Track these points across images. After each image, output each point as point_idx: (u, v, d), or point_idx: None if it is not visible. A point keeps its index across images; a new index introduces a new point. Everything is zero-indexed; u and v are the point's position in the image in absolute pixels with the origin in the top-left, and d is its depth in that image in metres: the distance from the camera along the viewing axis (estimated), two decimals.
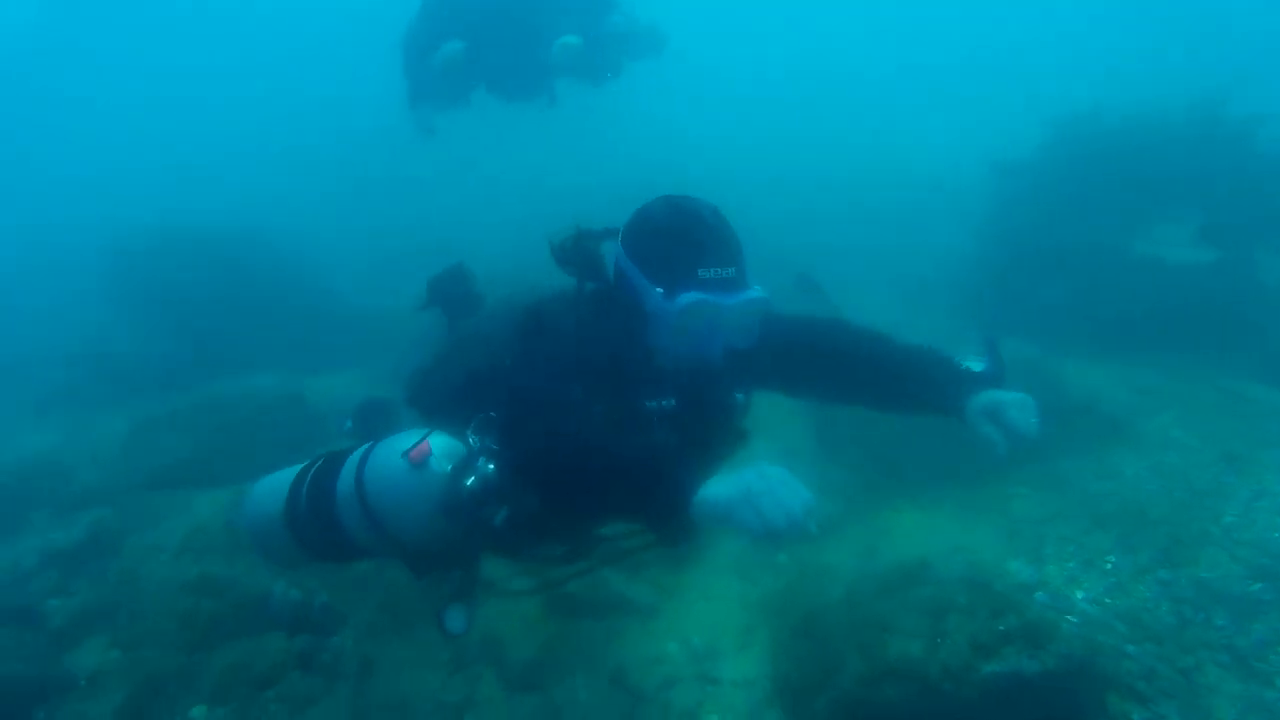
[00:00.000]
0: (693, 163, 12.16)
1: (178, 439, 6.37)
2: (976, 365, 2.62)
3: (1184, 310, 6.61)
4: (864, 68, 18.82)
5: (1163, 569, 4.22)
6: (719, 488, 1.90)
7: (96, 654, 3.99)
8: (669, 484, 1.96)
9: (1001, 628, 3.19)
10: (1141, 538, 4.45)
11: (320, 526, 2.63)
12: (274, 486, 2.83)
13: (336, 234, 11.85)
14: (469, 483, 2.40)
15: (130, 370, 8.22)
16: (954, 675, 3.12)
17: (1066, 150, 7.74)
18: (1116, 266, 7.04)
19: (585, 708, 3.81)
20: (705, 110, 15.34)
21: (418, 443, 2.48)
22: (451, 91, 6.81)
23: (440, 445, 2.50)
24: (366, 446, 2.65)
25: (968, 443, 5.39)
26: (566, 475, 2.20)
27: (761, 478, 1.88)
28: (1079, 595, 4.11)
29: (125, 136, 18.36)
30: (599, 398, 2.42)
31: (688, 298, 2.30)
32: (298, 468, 2.84)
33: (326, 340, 8.73)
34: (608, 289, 2.56)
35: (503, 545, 2.60)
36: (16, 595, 4.37)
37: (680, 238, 2.39)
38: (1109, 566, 4.32)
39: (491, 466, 2.42)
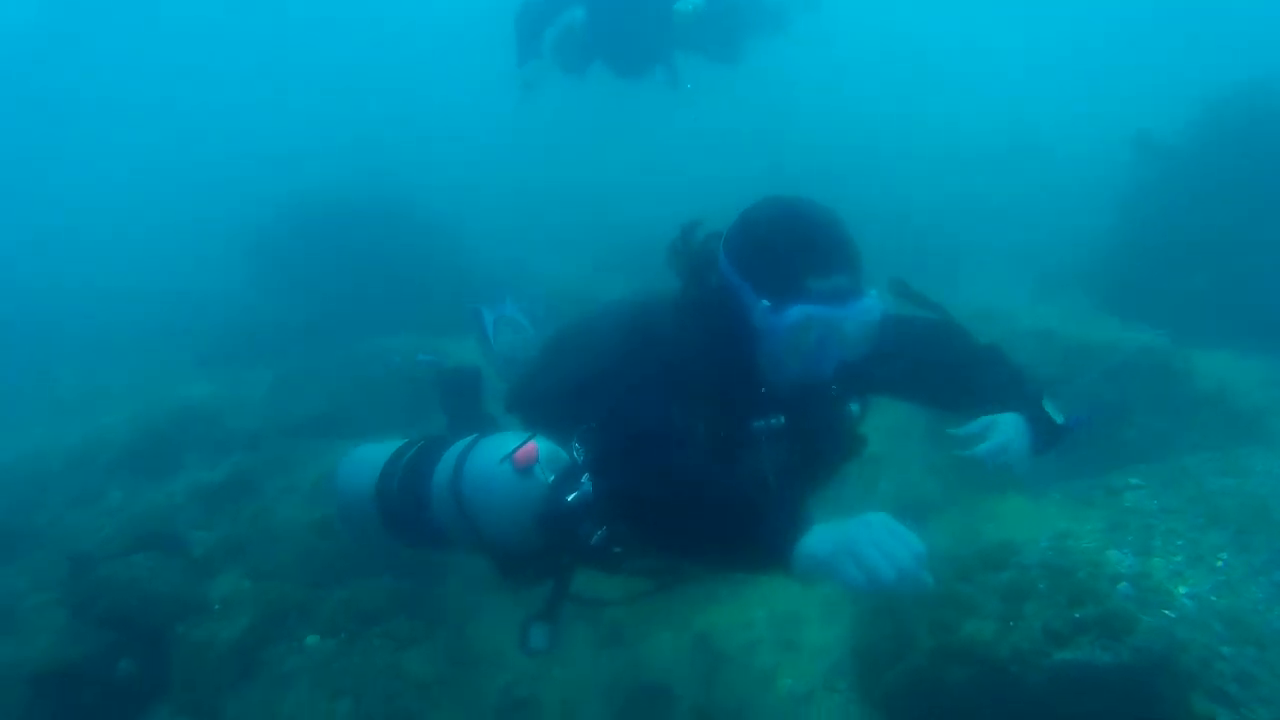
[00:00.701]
0: (817, 140, 12.02)
1: (316, 393, 6.86)
2: (1057, 416, 2.59)
3: None
4: (992, 38, 17.88)
5: None
6: (818, 542, 1.75)
7: (230, 582, 4.40)
8: (767, 540, 1.80)
9: (1078, 615, 3.14)
10: (1260, 538, 4.22)
11: (410, 511, 2.62)
12: (369, 460, 2.85)
13: (482, 201, 12.24)
14: (570, 498, 2.29)
15: (277, 331, 8.85)
16: (1023, 660, 3.10)
17: (1219, 131, 7.24)
18: (1265, 257, 6.60)
19: (668, 664, 3.96)
20: (828, 88, 14.97)
21: (523, 444, 2.40)
22: (569, 63, 6.88)
23: (545, 452, 2.41)
24: (470, 440, 2.59)
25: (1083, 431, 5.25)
26: (659, 520, 2.06)
27: (865, 526, 1.73)
28: (1182, 590, 3.94)
29: (275, 111, 19.43)
30: (701, 416, 2.28)
31: (796, 311, 2.12)
32: (395, 445, 2.84)
33: (464, 304, 9.11)
34: (713, 297, 2.34)
35: (599, 562, 2.49)
36: (167, 526, 4.85)
37: (787, 244, 2.19)
38: (1219, 564, 4.12)
39: (592, 485, 2.31)
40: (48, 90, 20.93)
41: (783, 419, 2.29)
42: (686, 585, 2.84)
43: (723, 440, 2.30)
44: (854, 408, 2.45)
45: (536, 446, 2.39)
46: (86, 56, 21.51)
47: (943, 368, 2.64)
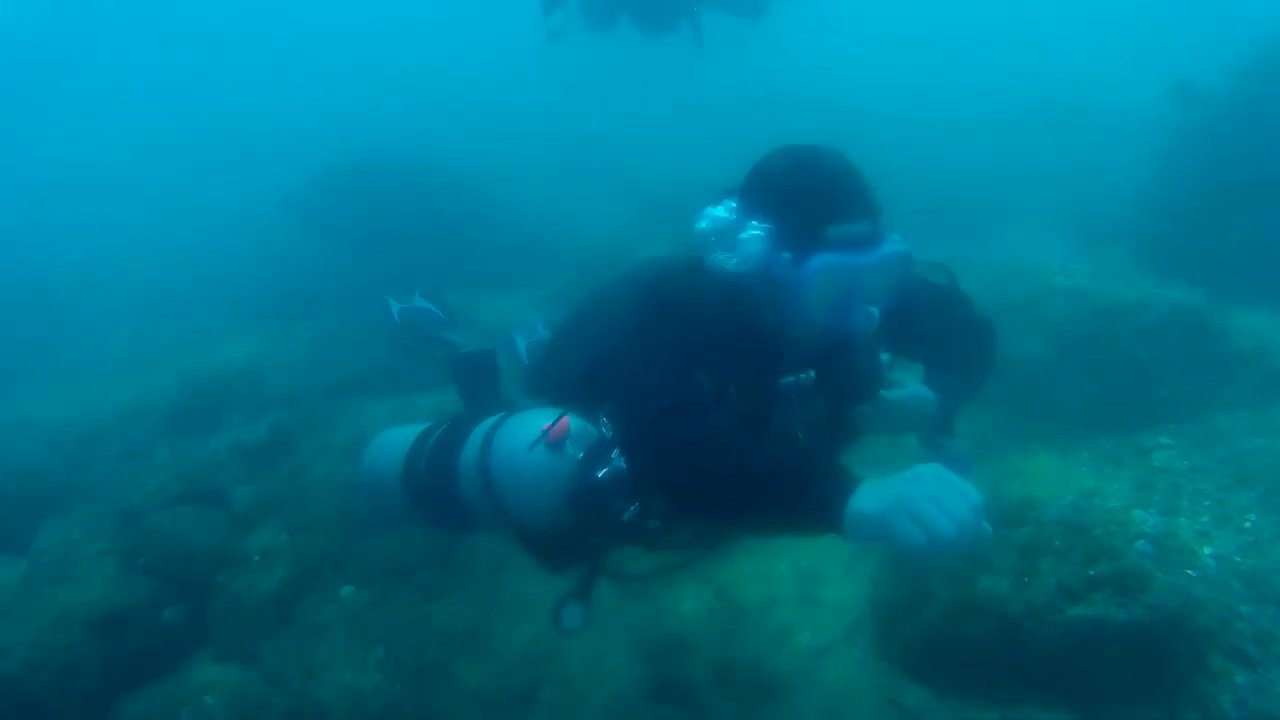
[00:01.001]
0: (846, 96, 11.83)
1: (354, 352, 7.01)
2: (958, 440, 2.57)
3: None
4: None
5: None
6: (869, 499, 1.68)
7: (269, 535, 4.56)
8: (815, 502, 1.76)
9: (1092, 573, 3.16)
10: None
11: (438, 492, 2.58)
12: (395, 442, 2.82)
13: (518, 159, 12.26)
14: (600, 474, 2.24)
15: (318, 291, 9.01)
16: (1037, 616, 3.13)
17: (1267, 76, 6.99)
18: None
19: (688, 616, 4.04)
20: (858, 40, 14.66)
21: (556, 420, 2.34)
22: (594, 18, 6.85)
23: (574, 428, 2.36)
24: (496, 418, 2.54)
25: (1112, 390, 5.23)
26: (702, 492, 2.02)
27: (918, 481, 1.67)
28: (1206, 551, 3.92)
29: (316, 76, 19.56)
30: (730, 379, 2.24)
31: (818, 261, 2.07)
32: (420, 427, 2.81)
33: (501, 262, 9.24)
34: (733, 261, 2.25)
35: (633, 538, 2.46)
36: (210, 482, 5.02)
37: (803, 194, 2.14)
38: (1247, 525, 4.10)
39: (623, 460, 2.26)
40: (92, 56, 21.28)
41: (812, 374, 2.22)
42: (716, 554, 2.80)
43: (753, 401, 2.25)
44: (885, 357, 2.31)
45: (569, 421, 2.34)
46: (132, 23, 21.79)
47: (935, 340, 2.55)
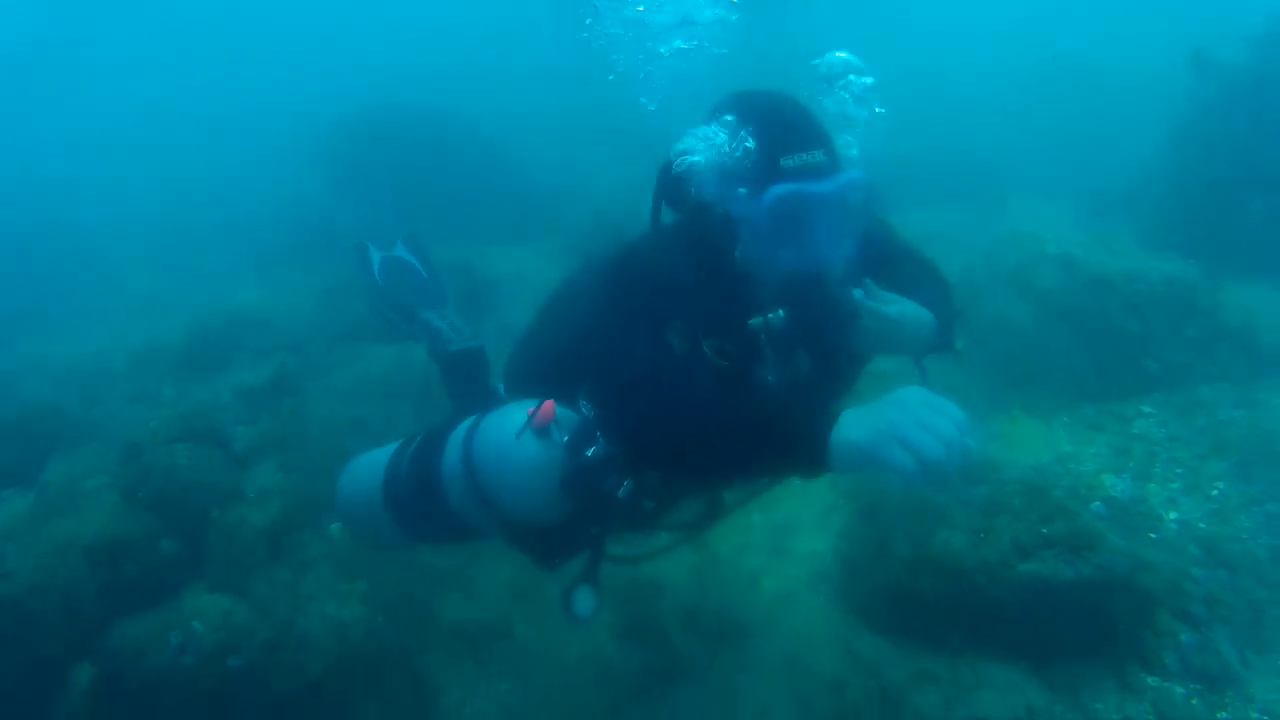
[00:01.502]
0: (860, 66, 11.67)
1: (362, 301, 7.12)
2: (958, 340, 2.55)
3: None
4: None
5: (1274, 503, 4.06)
6: (855, 429, 1.67)
7: (265, 474, 4.70)
8: (800, 439, 1.75)
9: (1046, 531, 3.25)
10: (1261, 469, 4.27)
11: (424, 505, 2.47)
12: (369, 465, 2.71)
13: (534, 119, 12.29)
14: (589, 453, 2.19)
15: (335, 237, 9.13)
16: (989, 571, 3.24)
17: None
18: None
19: (661, 560, 4.16)
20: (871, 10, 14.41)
21: (540, 405, 2.26)
22: None
23: (558, 412, 2.29)
24: (471, 420, 2.46)
25: (1099, 359, 5.25)
26: (688, 455, 2.01)
27: (901, 406, 1.65)
28: (1171, 516, 4.02)
29: (339, 26, 19.53)
30: (700, 333, 2.21)
31: (774, 191, 2.04)
32: (393, 446, 2.70)
33: (513, 215, 9.34)
34: (692, 213, 2.28)
35: (630, 519, 2.41)
36: (211, 421, 5.17)
37: (753, 129, 2.11)
38: (1214, 493, 4.18)
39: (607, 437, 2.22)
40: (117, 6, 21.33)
41: (782, 313, 2.17)
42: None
43: (728, 356, 2.22)
44: (857, 293, 2.22)
45: (554, 405, 2.26)
46: None
47: (893, 283, 2.44)
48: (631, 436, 2.14)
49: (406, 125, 10.46)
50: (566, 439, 2.22)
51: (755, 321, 2.17)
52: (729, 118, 2.16)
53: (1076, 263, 5.32)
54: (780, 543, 4.19)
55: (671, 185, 2.28)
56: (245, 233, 10.04)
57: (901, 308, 2.25)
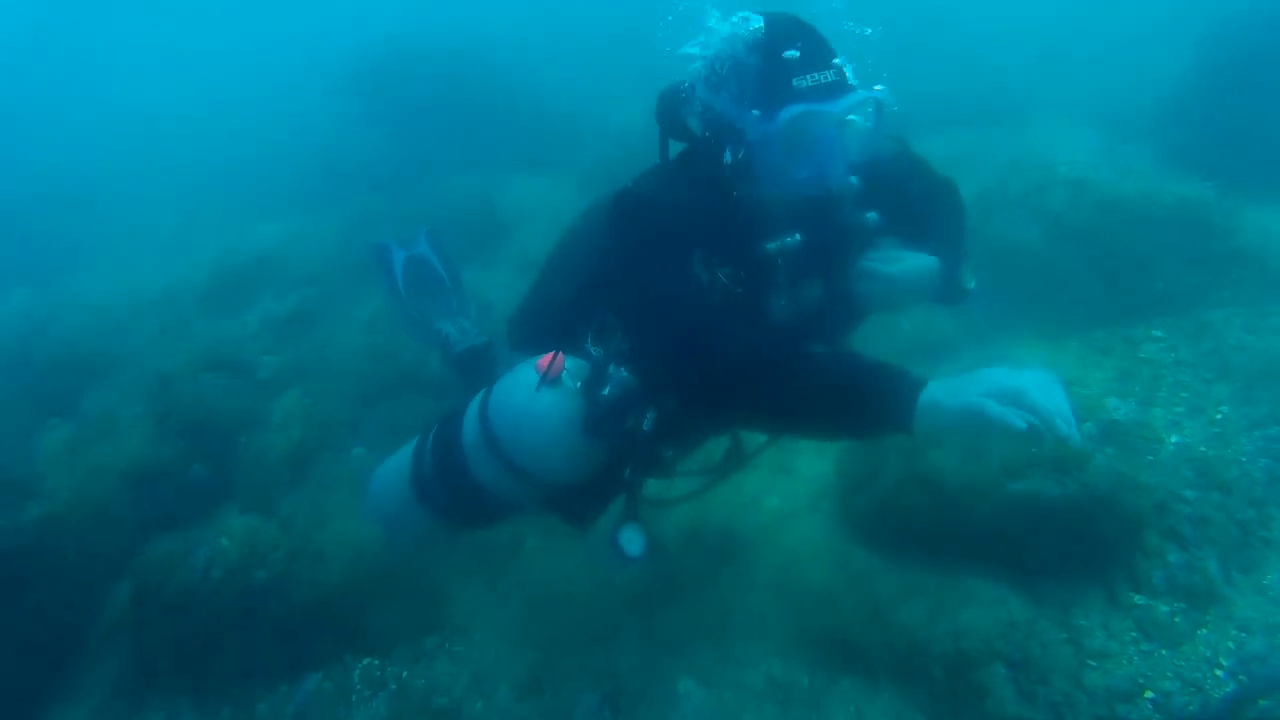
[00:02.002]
0: None
1: (381, 232, 7.24)
2: (969, 280, 2.59)
3: None
4: None
5: (1276, 426, 4.07)
6: (955, 396, 1.79)
7: (290, 401, 4.90)
8: (882, 408, 1.85)
9: (1034, 450, 3.31)
10: (1266, 392, 4.26)
11: (453, 487, 2.48)
12: (394, 467, 2.74)
13: (553, 51, 12.20)
14: (605, 392, 2.23)
15: (357, 172, 9.25)
16: (975, 490, 3.31)
17: None
18: None
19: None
20: None
21: (552, 359, 2.28)
22: None
23: (567, 361, 2.32)
24: (480, 394, 2.48)
25: (1109, 282, 5.21)
26: (752, 410, 2.08)
27: (987, 378, 1.78)
28: (1173, 439, 4.04)
29: None
30: (717, 260, 2.21)
31: (787, 111, 2.05)
32: (412, 442, 2.72)
33: (531, 145, 9.39)
34: (700, 141, 2.30)
35: (655, 459, 2.44)
36: (238, 352, 5.37)
37: (764, 52, 2.11)
38: (1218, 416, 4.20)
39: (625, 371, 2.26)
40: None
41: (798, 236, 2.19)
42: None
43: (744, 283, 2.23)
44: (871, 216, 2.28)
45: (562, 355, 2.29)
46: None
47: (907, 207, 2.51)
48: (670, 365, 2.17)
49: (426, 56, 10.47)
50: (579, 384, 2.26)
51: (771, 245, 2.19)
52: (739, 36, 2.16)
53: (1087, 184, 5.26)
54: (785, 462, 4.27)
55: (678, 112, 2.31)
56: (269, 171, 10.20)
57: (904, 265, 2.32)
